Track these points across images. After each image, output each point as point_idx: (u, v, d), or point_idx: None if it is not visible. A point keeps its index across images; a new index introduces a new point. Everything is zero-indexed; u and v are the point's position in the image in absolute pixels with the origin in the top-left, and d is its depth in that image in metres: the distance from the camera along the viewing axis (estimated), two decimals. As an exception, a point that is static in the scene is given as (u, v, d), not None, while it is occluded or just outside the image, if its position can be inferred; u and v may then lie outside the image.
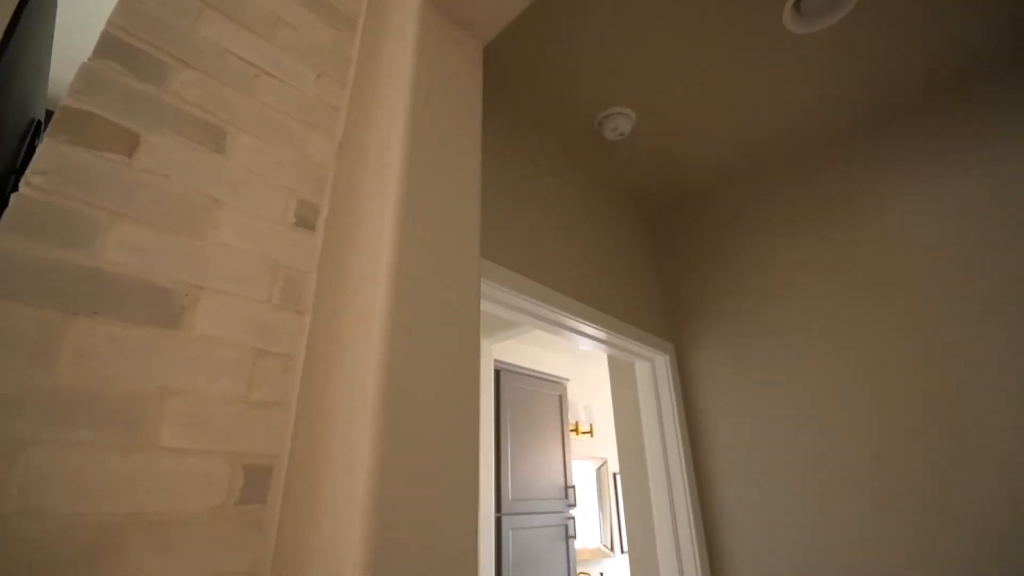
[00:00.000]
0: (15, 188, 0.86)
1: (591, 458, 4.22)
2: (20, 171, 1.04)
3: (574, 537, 3.01)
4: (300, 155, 0.91)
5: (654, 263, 2.41)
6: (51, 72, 1.73)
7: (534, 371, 3.17)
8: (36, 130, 1.14)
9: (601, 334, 1.94)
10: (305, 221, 0.86)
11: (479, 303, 0.77)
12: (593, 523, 4.09)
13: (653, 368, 2.18)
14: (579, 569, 3.66)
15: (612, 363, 2.34)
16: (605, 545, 4.10)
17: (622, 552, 4.20)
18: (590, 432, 4.18)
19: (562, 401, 3.30)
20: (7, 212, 0.59)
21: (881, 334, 1.67)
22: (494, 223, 1.53)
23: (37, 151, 0.63)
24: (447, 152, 0.84)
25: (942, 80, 1.75)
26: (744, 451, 1.90)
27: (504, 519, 2.59)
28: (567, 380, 3.42)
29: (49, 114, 1.61)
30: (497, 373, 2.94)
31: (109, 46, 0.73)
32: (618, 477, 4.45)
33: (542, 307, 1.72)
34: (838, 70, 1.70)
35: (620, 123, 1.82)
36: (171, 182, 0.73)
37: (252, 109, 0.87)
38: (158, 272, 0.67)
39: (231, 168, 0.80)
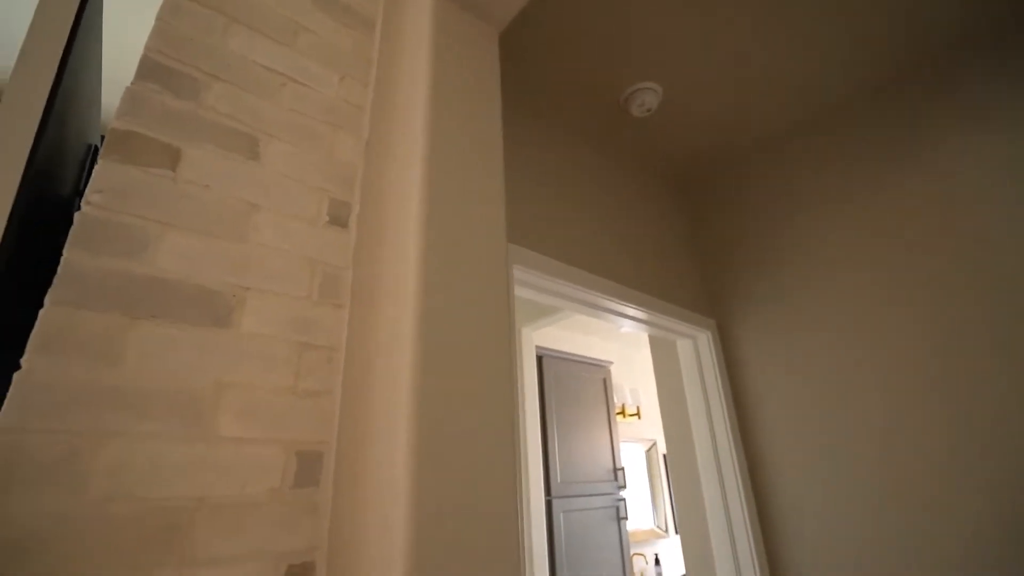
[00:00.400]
0: (79, 208, 0.93)
1: (640, 440, 4.20)
2: (83, 193, 1.14)
3: (625, 518, 3.01)
4: (329, 156, 0.94)
5: (690, 239, 2.36)
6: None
7: (577, 355, 3.17)
8: (93, 155, 1.23)
9: (640, 313, 1.92)
10: (338, 219, 0.90)
11: (508, 286, 0.78)
12: (645, 505, 4.07)
13: (695, 345, 2.14)
14: (633, 550, 3.66)
15: (654, 343, 2.31)
16: (659, 526, 4.08)
17: (676, 533, 4.16)
18: (637, 414, 4.14)
19: (607, 384, 3.29)
20: (73, 229, 0.65)
21: (929, 302, 1.57)
22: (526, 209, 1.54)
23: (94, 171, 0.69)
24: (468, 141, 0.85)
25: (976, 33, 1.61)
26: (793, 424, 1.84)
27: (554, 502, 2.62)
28: (611, 363, 3.40)
29: (103, 139, 1.73)
30: (539, 359, 2.96)
31: (148, 69, 0.79)
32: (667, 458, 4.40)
33: (578, 290, 1.72)
34: (872, 25, 1.59)
35: (647, 99, 1.78)
36: (212, 191, 0.78)
37: (281, 116, 0.91)
38: (206, 276, 0.72)
39: (266, 174, 0.85)
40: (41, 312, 0.60)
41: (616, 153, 2.14)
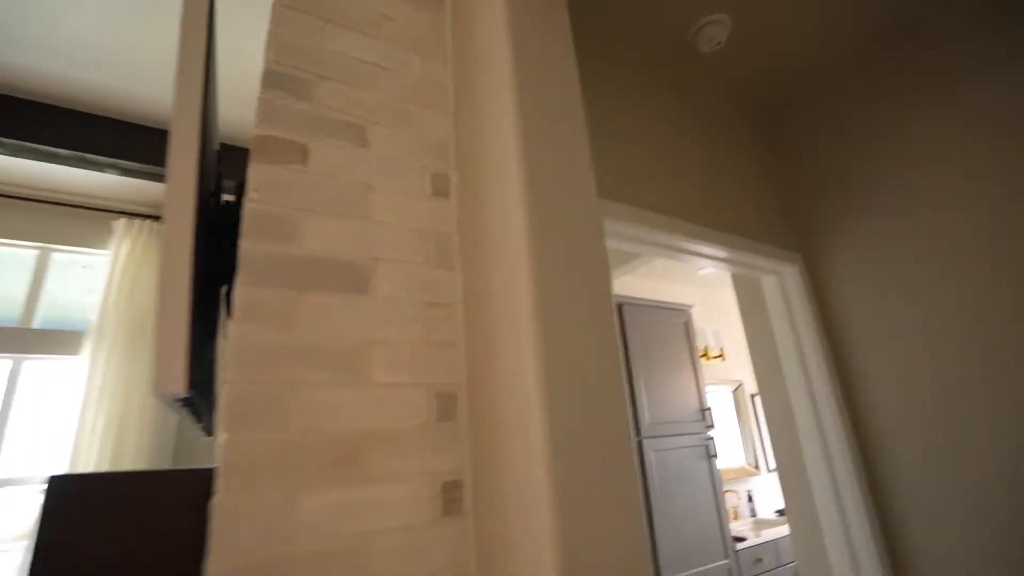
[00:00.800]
0: (216, 205, 1.09)
1: (725, 382, 4.18)
2: (216, 193, 1.32)
3: (715, 456, 3.07)
4: (423, 134, 1.04)
5: (770, 172, 2.27)
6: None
7: (656, 301, 3.19)
8: (219, 159, 1.42)
9: (723, 252, 1.91)
10: (440, 190, 1.00)
11: (603, 238, 0.86)
12: (735, 443, 4.10)
13: (781, 281, 2.11)
14: (724, 487, 3.72)
15: (737, 282, 2.29)
16: (750, 464, 4.09)
17: (768, 471, 4.17)
18: (721, 356, 4.11)
19: (688, 327, 3.29)
20: (244, 223, 0.79)
21: (1063, 203, 1.44)
22: (598, 157, 1.57)
23: (249, 172, 0.83)
24: (552, 103, 0.91)
25: None
26: (891, 353, 1.79)
27: (644, 442, 2.72)
28: (691, 307, 3.38)
29: (222, 146, 1.94)
30: (619, 308, 3.02)
31: (270, 78, 0.91)
32: (756, 398, 4.36)
33: (659, 235, 1.74)
34: None
35: (715, 32, 1.72)
36: (335, 178, 0.90)
37: (379, 102, 1.01)
38: (345, 251, 0.85)
39: (374, 157, 0.96)
40: (235, 291, 0.75)
41: (689, 93, 2.08)
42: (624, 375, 2.86)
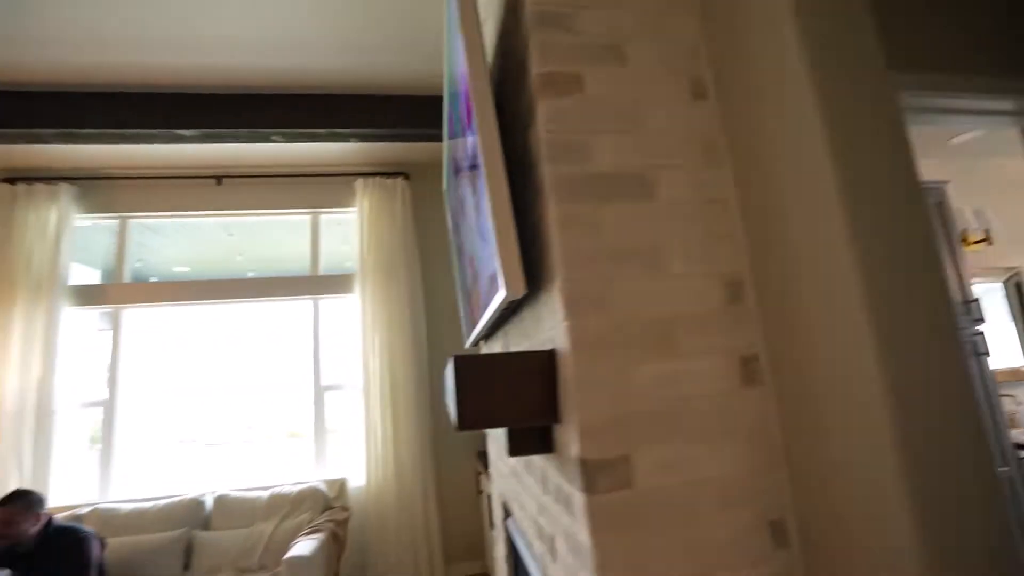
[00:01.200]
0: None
1: (994, 270, 3.45)
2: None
3: (986, 354, 2.63)
4: (674, 40, 1.06)
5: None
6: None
7: (898, 183, 2.73)
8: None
9: (1010, 104, 1.57)
10: (699, 93, 1.03)
11: (901, 110, 0.80)
12: (1010, 342, 3.42)
13: (1110, 128, 1.64)
14: (1000, 391, 3.19)
15: (1030, 140, 1.84)
16: (1032, 365, 3.41)
17: (1061, 373, 3.41)
18: (987, 240, 3.38)
19: (942, 209, 2.76)
20: (545, 152, 0.94)
21: None
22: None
23: (539, 108, 0.97)
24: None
25: None
26: None
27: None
28: (945, 183, 2.81)
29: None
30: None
31: (538, 18, 1.02)
32: (1041, 288, 3.51)
33: (914, 96, 1.51)
34: None
35: None
36: (608, 99, 1.00)
37: (631, 19, 1.06)
38: (629, 164, 0.96)
39: (634, 72, 1.02)
40: (551, 208, 0.92)
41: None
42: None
